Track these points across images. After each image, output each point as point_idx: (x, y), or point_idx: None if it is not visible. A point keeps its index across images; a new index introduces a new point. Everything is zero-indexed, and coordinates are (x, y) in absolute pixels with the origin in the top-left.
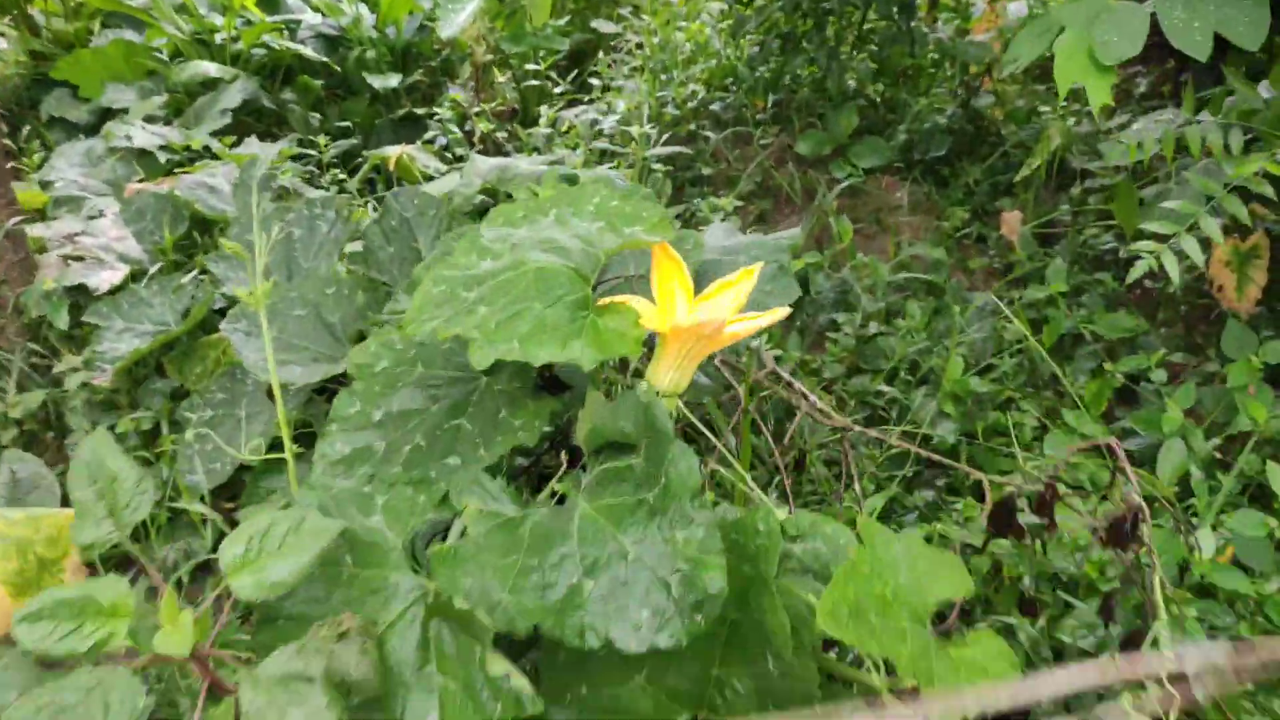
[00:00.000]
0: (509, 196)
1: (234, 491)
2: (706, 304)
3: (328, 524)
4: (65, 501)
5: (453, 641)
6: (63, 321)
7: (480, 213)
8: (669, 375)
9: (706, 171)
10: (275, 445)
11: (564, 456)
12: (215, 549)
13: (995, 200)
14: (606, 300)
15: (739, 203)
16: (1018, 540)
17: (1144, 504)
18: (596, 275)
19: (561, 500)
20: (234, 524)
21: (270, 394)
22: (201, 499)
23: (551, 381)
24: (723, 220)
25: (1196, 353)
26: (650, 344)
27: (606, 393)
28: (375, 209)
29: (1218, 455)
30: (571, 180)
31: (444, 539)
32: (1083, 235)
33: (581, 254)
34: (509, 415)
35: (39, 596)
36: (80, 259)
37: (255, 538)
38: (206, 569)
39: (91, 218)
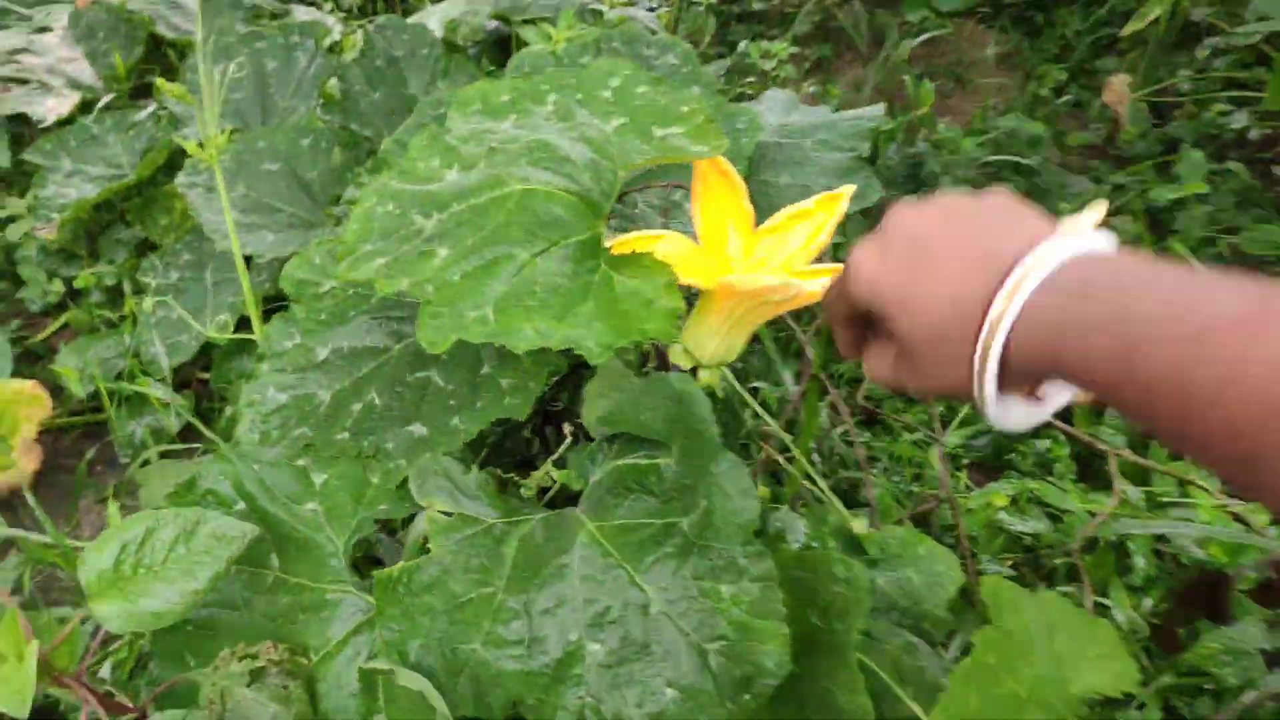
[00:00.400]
0: (521, 42)
1: (208, 361)
2: (771, 242)
3: (237, 529)
4: (18, 366)
5: (407, 699)
6: (3, 158)
7: (495, 43)
8: (713, 343)
9: (757, 6)
10: (245, 323)
11: (568, 430)
12: (181, 435)
13: (1097, 59)
14: (626, 240)
15: (794, 48)
16: (1217, 624)
17: None
18: (613, 201)
19: (555, 501)
20: (206, 399)
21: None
22: (161, 381)
23: None
24: (775, 69)
25: None
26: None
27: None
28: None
29: None
30: (596, 16)
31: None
32: (1208, 111)
33: (591, 169)
34: (494, 370)
35: None
36: (23, 82)
37: (130, 547)
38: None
39: (38, 32)
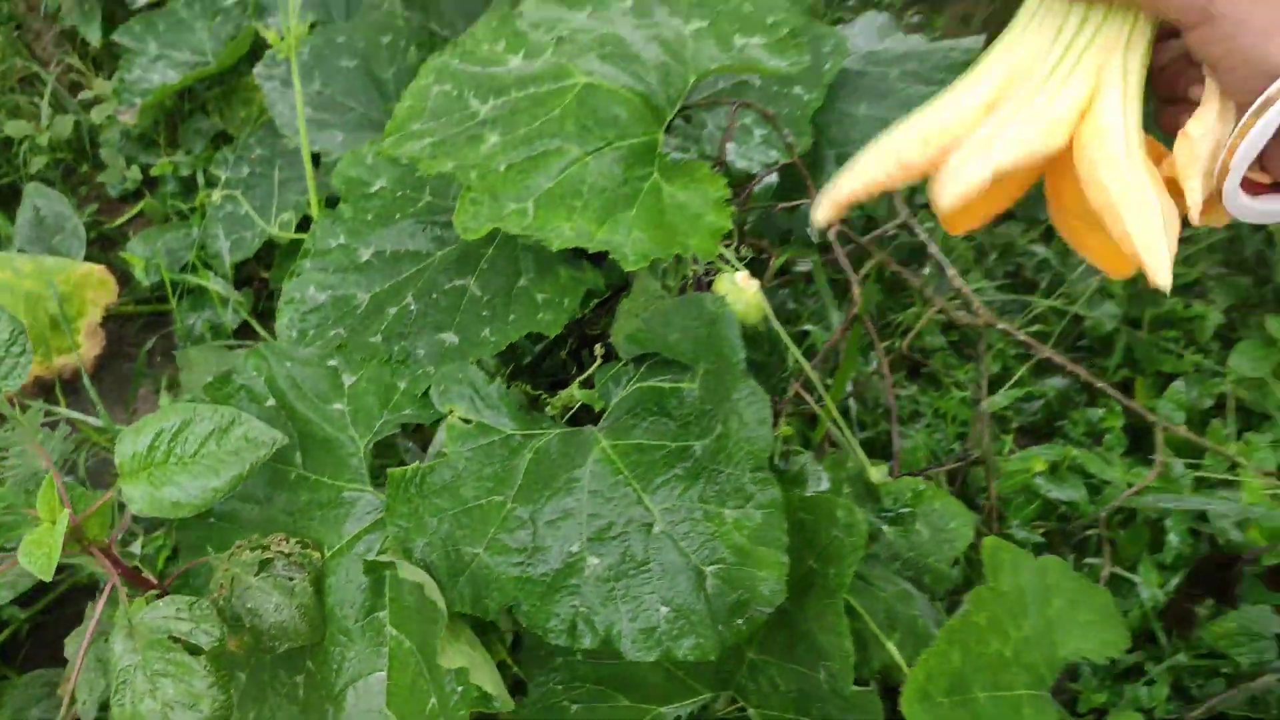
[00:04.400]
0: None
1: (270, 260)
2: None
3: (266, 435)
4: (91, 251)
5: (413, 594)
6: (94, 36)
7: None
8: None
9: None
10: (307, 223)
11: (599, 351)
12: (238, 333)
13: None
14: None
15: None
16: (1224, 607)
17: None
18: (678, 107)
19: (580, 421)
20: (265, 298)
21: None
22: (223, 276)
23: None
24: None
25: None
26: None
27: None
28: None
29: None
30: None
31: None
32: None
33: (659, 71)
34: (531, 284)
35: None
36: None
37: (164, 435)
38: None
39: None
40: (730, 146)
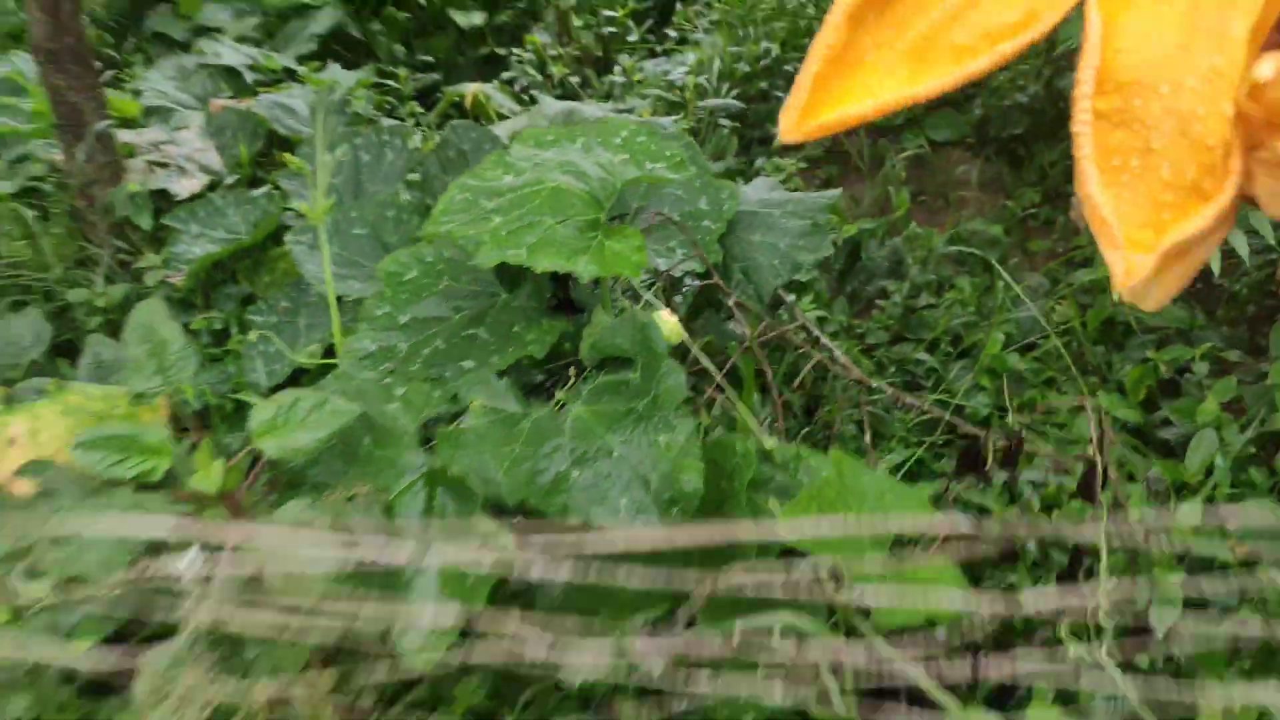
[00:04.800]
0: None
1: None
2: None
3: (347, 407)
4: None
5: (454, 507)
6: (145, 222)
7: None
8: None
9: (775, 132)
10: (330, 353)
11: (572, 373)
12: None
13: (1069, 184)
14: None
15: (804, 165)
16: (982, 482)
17: (1106, 465)
18: (611, 202)
19: (562, 407)
20: None
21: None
22: (261, 396)
23: (566, 304)
24: (785, 180)
25: (1256, 354)
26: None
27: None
28: None
29: (1254, 451)
30: None
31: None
32: None
33: (600, 181)
34: (522, 330)
35: (95, 429)
36: (164, 166)
37: (283, 409)
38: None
39: (178, 129)
40: (660, 261)
